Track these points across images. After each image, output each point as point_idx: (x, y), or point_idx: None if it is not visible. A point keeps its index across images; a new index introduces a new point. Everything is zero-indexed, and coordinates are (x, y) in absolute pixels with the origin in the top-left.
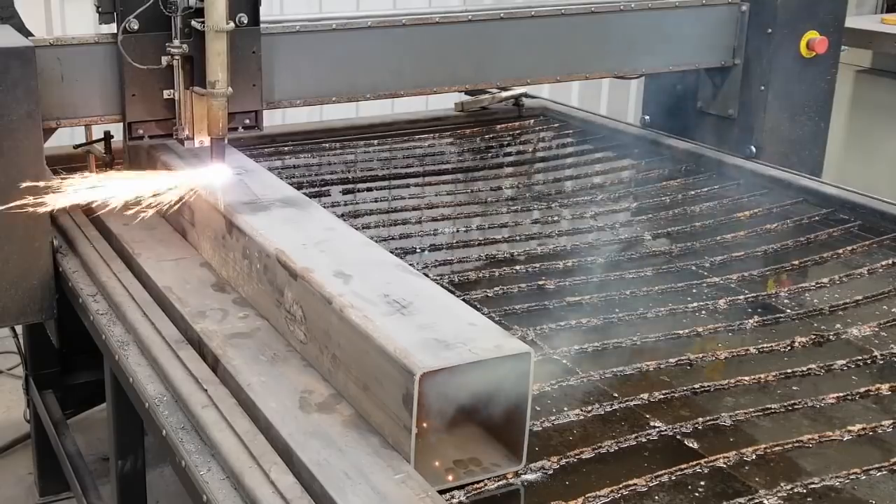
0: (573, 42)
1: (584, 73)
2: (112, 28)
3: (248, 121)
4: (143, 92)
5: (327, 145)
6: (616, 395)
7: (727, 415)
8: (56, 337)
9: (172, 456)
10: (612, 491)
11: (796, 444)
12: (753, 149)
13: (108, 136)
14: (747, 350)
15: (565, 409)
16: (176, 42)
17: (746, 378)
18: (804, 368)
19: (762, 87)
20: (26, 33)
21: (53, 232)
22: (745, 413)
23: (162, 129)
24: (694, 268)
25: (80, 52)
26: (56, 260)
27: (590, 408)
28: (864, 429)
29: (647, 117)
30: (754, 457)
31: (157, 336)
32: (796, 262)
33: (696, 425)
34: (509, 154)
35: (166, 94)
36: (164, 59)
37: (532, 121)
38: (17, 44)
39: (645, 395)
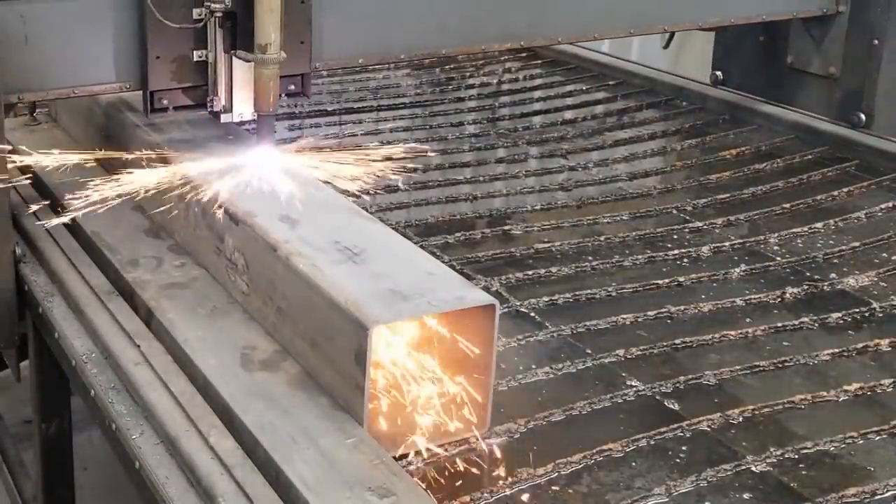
0: None
1: (661, 26)
2: None
3: (293, 86)
4: (170, 54)
5: None
6: (589, 351)
7: (711, 373)
8: (16, 369)
9: (102, 418)
10: (584, 457)
11: (787, 406)
12: (862, 116)
13: None
14: (733, 302)
15: (533, 367)
16: None
17: (732, 333)
18: (796, 322)
19: (875, 41)
20: None
21: (15, 237)
22: (731, 371)
23: (191, 97)
24: (675, 211)
25: (52, 7)
26: (19, 273)
27: (560, 366)
28: (861, 388)
29: (718, 74)
30: (741, 419)
31: (84, 286)
32: (787, 206)
33: (678, 385)
34: (472, 87)
35: (197, 55)
36: (197, 13)
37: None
38: None
39: (621, 352)
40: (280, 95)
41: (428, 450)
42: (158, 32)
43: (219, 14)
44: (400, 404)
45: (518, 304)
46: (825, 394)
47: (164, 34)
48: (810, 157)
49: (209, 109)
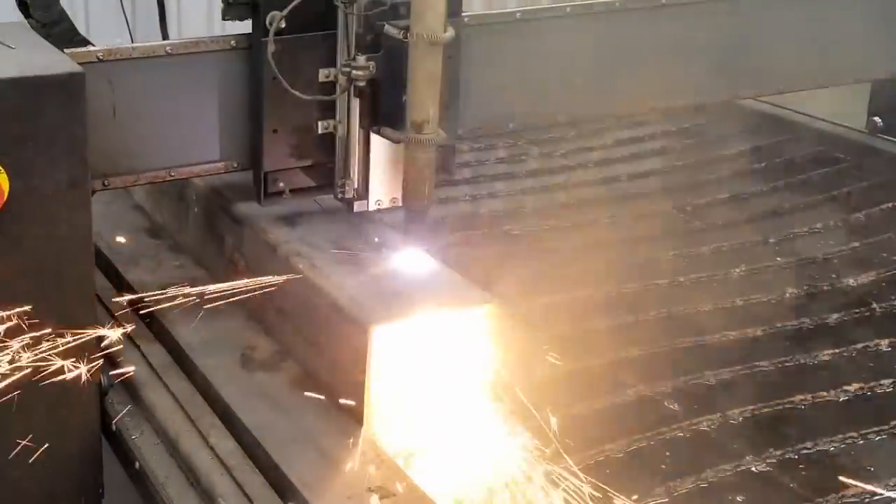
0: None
1: (849, 78)
2: (198, 30)
3: None
4: (289, 125)
5: None
6: (589, 351)
7: (711, 373)
8: None
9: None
10: (585, 457)
11: (787, 406)
12: None
13: None
14: (733, 302)
15: (533, 365)
16: (360, 60)
17: (732, 332)
18: (795, 322)
19: None
20: (80, 42)
21: (102, 367)
22: (731, 371)
23: (313, 178)
24: (674, 211)
25: (146, 70)
26: (104, 408)
27: (560, 365)
28: (861, 388)
29: (877, 119)
30: (741, 419)
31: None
32: (786, 206)
33: (677, 385)
34: None
35: (322, 126)
36: (324, 74)
37: None
38: (55, 69)
39: (621, 352)
40: None
41: None
42: (277, 100)
43: (360, 83)
44: None
45: (517, 302)
46: (825, 394)
47: (284, 102)
48: (809, 157)
49: (338, 195)
